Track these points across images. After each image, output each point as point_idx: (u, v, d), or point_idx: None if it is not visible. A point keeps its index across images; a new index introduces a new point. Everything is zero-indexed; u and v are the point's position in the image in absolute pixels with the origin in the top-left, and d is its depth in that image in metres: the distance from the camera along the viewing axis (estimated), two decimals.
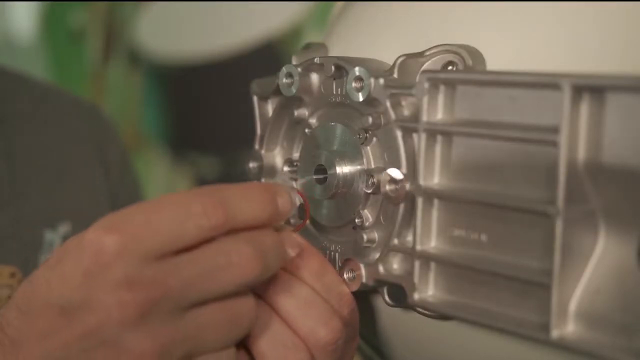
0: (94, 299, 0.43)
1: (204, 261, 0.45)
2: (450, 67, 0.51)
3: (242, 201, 0.46)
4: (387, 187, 0.52)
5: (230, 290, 0.46)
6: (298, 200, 0.52)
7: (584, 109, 0.43)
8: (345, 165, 0.54)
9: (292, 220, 0.58)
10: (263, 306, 0.51)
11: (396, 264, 0.52)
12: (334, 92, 0.56)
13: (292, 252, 0.51)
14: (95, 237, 0.43)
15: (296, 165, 0.59)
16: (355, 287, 0.53)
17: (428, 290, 0.50)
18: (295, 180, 0.58)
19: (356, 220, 0.54)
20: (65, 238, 0.85)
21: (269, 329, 0.50)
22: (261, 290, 0.51)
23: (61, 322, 0.44)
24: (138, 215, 0.44)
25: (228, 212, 0.45)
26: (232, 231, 0.46)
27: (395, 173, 0.51)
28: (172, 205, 0.45)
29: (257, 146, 0.60)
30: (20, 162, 0.87)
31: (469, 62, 0.50)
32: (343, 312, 0.52)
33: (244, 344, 0.52)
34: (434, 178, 0.50)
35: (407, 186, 0.51)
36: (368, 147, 0.54)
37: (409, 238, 0.51)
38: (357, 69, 0.53)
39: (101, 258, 0.43)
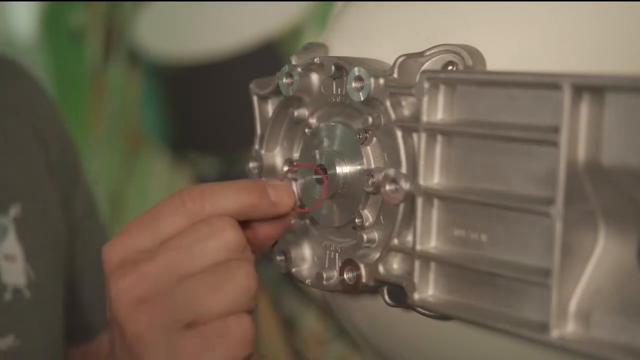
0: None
1: (187, 237, 0.51)
2: (450, 67, 0.51)
3: (223, 191, 0.52)
4: (387, 187, 0.52)
5: (214, 256, 0.50)
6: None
7: (584, 109, 0.43)
8: (345, 165, 0.54)
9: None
10: None
11: (396, 264, 0.52)
12: (334, 92, 0.56)
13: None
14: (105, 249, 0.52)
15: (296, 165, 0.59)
16: (355, 287, 0.53)
17: (428, 290, 0.50)
18: (295, 180, 0.58)
19: (356, 220, 0.54)
20: (16, 220, 0.81)
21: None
22: None
23: None
24: (134, 221, 0.53)
25: (204, 201, 0.51)
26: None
27: (395, 173, 0.51)
28: (159, 206, 0.52)
29: (257, 146, 0.60)
30: None
31: (469, 62, 0.50)
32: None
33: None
34: (434, 178, 0.50)
35: (407, 186, 0.51)
36: (368, 147, 0.54)
37: (409, 238, 0.51)
38: (357, 69, 0.53)
39: (106, 265, 0.52)
